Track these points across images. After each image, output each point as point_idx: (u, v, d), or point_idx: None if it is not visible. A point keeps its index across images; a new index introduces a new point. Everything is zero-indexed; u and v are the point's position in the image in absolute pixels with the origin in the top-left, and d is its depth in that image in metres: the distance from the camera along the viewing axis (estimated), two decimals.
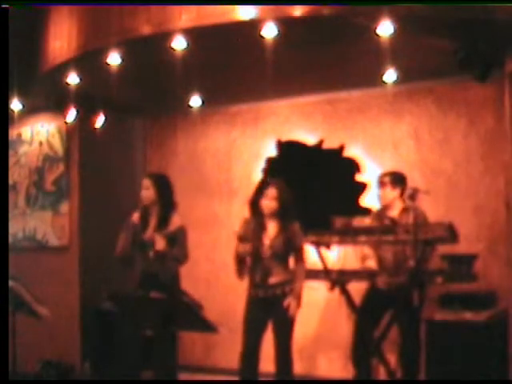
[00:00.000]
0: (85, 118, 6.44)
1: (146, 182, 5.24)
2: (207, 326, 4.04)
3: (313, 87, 6.20)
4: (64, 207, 6.79)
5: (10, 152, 7.02)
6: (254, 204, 4.83)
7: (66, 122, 6.59)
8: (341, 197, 6.21)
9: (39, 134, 7.01)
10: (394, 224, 5.07)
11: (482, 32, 4.58)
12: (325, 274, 5.15)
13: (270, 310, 4.70)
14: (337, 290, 5.20)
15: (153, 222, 5.20)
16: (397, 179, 5.28)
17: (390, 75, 5.55)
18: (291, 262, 4.81)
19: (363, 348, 5.18)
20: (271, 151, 6.64)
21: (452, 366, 4.99)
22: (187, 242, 5.25)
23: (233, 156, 6.85)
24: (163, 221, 5.16)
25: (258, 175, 6.58)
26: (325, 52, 5.08)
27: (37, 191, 6.99)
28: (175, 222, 5.20)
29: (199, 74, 5.47)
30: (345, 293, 5.19)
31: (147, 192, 5.21)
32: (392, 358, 5.15)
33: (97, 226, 6.62)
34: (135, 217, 5.26)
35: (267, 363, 4.73)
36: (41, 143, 6.99)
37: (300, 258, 4.79)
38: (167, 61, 4.92)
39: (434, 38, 4.70)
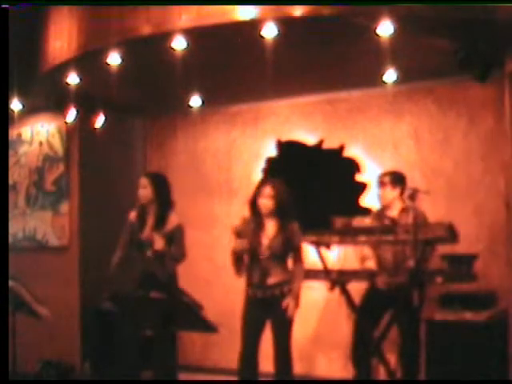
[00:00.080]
0: (85, 118, 6.44)
1: (144, 181, 5.25)
2: (207, 326, 4.04)
3: (313, 87, 6.20)
4: (64, 207, 6.79)
5: (10, 152, 7.02)
6: (253, 203, 4.82)
7: (65, 122, 6.59)
8: (341, 197, 6.21)
9: (39, 134, 7.01)
10: (393, 224, 5.07)
11: (482, 32, 4.58)
12: (325, 274, 5.15)
13: (268, 310, 4.69)
14: (337, 290, 5.20)
15: (150, 220, 5.21)
16: (397, 179, 5.28)
17: (390, 75, 5.55)
18: (290, 262, 4.80)
19: (363, 348, 5.18)
20: (271, 151, 6.64)
21: (452, 366, 4.99)
22: (185, 240, 5.26)
23: (233, 156, 6.85)
24: (161, 220, 5.17)
25: (257, 175, 6.57)
26: (325, 52, 5.08)
27: (37, 191, 6.99)
28: (173, 220, 5.21)
29: (199, 74, 5.47)
30: (345, 293, 5.19)
31: (144, 191, 5.22)
32: (392, 358, 5.15)
33: (97, 226, 6.62)
34: (132, 215, 5.27)
35: (267, 363, 4.73)
36: (41, 143, 6.99)
37: (298, 258, 4.77)
38: (167, 61, 4.92)
39: (434, 38, 4.70)
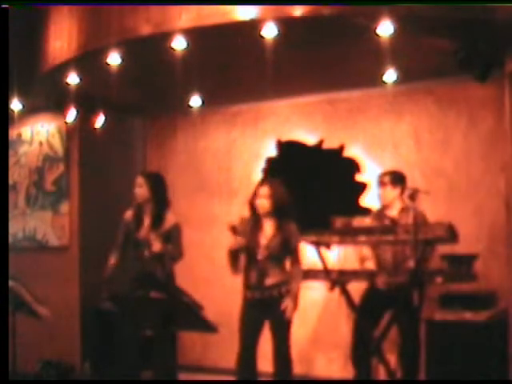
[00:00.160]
0: (85, 118, 6.44)
1: (140, 180, 5.26)
2: (207, 326, 4.04)
3: (313, 87, 6.20)
4: (64, 207, 6.79)
5: (10, 152, 7.02)
6: (252, 204, 4.81)
7: (65, 122, 6.59)
8: (341, 197, 6.20)
9: (39, 134, 7.01)
10: (393, 224, 5.07)
11: (482, 32, 4.58)
12: (325, 274, 5.15)
13: (266, 311, 4.67)
14: (337, 290, 5.20)
15: (147, 220, 5.22)
16: (397, 178, 5.28)
17: (390, 75, 5.55)
18: (287, 262, 4.77)
19: (363, 348, 5.18)
20: (271, 151, 6.64)
21: (452, 366, 4.99)
22: (182, 239, 5.27)
23: (233, 156, 6.85)
24: (157, 219, 5.18)
25: (257, 175, 6.57)
26: (325, 52, 5.08)
27: (37, 191, 6.99)
28: (169, 219, 5.22)
29: (199, 74, 5.47)
30: (345, 293, 5.19)
31: (141, 190, 5.23)
32: (392, 358, 5.15)
33: (97, 226, 6.62)
34: (128, 215, 5.28)
35: (267, 363, 4.72)
36: (41, 143, 6.99)
37: (296, 259, 4.75)
38: (167, 61, 4.92)
39: (434, 38, 4.70)
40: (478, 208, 5.67)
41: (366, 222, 5.24)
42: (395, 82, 5.65)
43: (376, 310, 5.21)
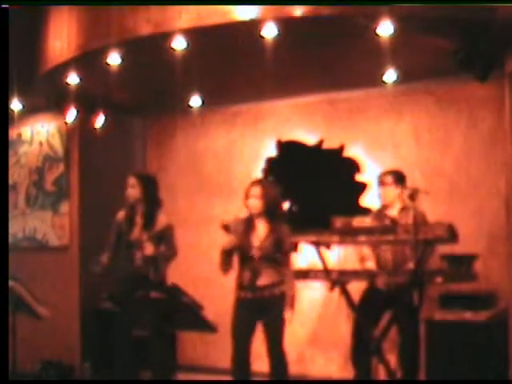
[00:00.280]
0: (85, 118, 6.44)
1: (132, 181, 5.26)
2: (207, 326, 4.04)
3: (313, 87, 6.19)
4: (64, 207, 6.79)
5: (10, 152, 7.02)
6: (244, 204, 4.81)
7: (65, 122, 6.59)
8: (341, 197, 6.20)
9: (39, 134, 7.02)
10: (393, 224, 5.06)
11: (482, 32, 4.58)
12: (325, 273, 5.14)
13: (258, 312, 4.65)
14: (337, 290, 5.20)
15: (139, 221, 5.21)
16: (399, 178, 5.27)
17: (390, 75, 5.55)
18: (280, 263, 4.74)
19: (363, 348, 5.17)
20: (271, 151, 6.64)
21: (452, 365, 4.99)
22: (175, 239, 5.28)
23: (233, 156, 6.84)
24: (149, 220, 5.19)
25: (257, 175, 6.57)
26: (325, 52, 5.08)
27: (37, 191, 7.00)
28: (161, 220, 5.23)
29: (199, 74, 5.47)
30: (345, 293, 5.19)
31: (133, 190, 5.24)
32: (392, 358, 5.14)
33: (97, 225, 6.62)
34: (120, 215, 5.28)
35: (266, 363, 4.72)
36: (41, 143, 7.00)
37: (288, 260, 4.74)
38: (167, 61, 4.92)
39: (434, 38, 4.70)
40: (478, 208, 5.67)
41: (366, 221, 5.24)
42: (395, 82, 5.65)
43: (376, 309, 5.21)
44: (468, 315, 5.03)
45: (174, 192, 7.05)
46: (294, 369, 5.66)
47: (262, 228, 4.74)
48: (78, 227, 6.70)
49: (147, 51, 5.00)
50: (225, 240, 4.76)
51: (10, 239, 6.82)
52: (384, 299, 5.07)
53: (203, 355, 6.73)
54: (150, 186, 5.28)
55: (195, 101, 6.34)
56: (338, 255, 6.03)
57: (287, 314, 4.63)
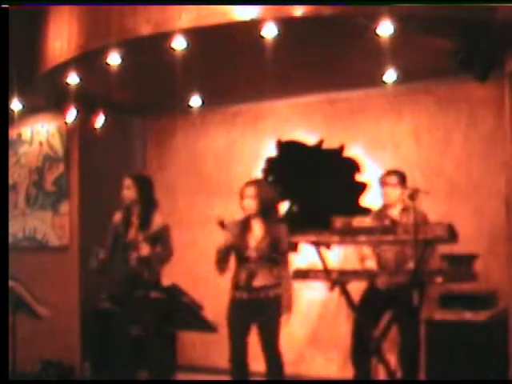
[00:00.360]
0: (85, 118, 6.44)
1: (127, 182, 5.26)
2: (207, 326, 4.04)
3: (313, 87, 6.19)
4: (64, 207, 6.79)
5: (10, 152, 7.02)
6: (239, 204, 4.80)
7: (65, 122, 6.59)
8: (341, 197, 6.20)
9: (39, 134, 7.02)
10: (394, 224, 5.06)
11: (482, 32, 4.58)
12: (325, 273, 5.13)
13: (253, 313, 4.64)
14: (337, 290, 5.19)
15: (135, 222, 5.22)
16: (402, 179, 5.27)
17: (390, 75, 5.55)
18: (277, 264, 4.73)
19: (363, 348, 5.17)
20: (271, 151, 6.64)
21: (452, 365, 4.99)
22: (171, 240, 5.28)
23: (233, 156, 6.84)
24: (145, 221, 5.19)
25: (258, 175, 6.57)
26: (325, 52, 5.08)
27: (37, 191, 7.00)
28: (157, 221, 5.23)
29: (199, 74, 5.47)
30: (345, 293, 5.18)
31: (128, 192, 5.25)
32: (392, 358, 5.14)
33: (97, 226, 6.62)
34: (117, 217, 5.29)
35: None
36: (41, 143, 7.00)
37: (285, 262, 4.73)
38: (167, 61, 4.92)
39: (434, 38, 4.70)
40: (478, 208, 5.67)
41: (366, 221, 5.23)
42: (395, 82, 5.65)
43: (376, 310, 5.21)
44: (468, 315, 5.03)
45: (174, 192, 7.05)
46: (294, 369, 5.68)
47: (258, 229, 4.74)
48: (77, 227, 6.70)
49: (147, 51, 5.00)
50: (223, 240, 4.76)
51: (10, 239, 6.82)
52: (384, 299, 5.06)
53: (203, 355, 6.73)
54: (145, 187, 5.29)
55: (195, 101, 6.34)
56: (338, 255, 6.03)
57: (284, 316, 4.63)
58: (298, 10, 4.30)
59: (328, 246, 5.62)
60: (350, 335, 5.36)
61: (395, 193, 5.24)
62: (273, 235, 4.69)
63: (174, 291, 4.14)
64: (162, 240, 5.22)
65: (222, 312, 4.78)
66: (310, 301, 6.25)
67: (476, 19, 4.44)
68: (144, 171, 7.09)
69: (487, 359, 4.92)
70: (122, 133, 7.15)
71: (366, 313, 5.19)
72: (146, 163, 7.31)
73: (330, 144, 6.35)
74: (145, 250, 5.11)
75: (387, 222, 5.19)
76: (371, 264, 5.24)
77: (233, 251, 4.72)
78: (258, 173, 6.61)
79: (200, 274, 6.66)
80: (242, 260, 4.70)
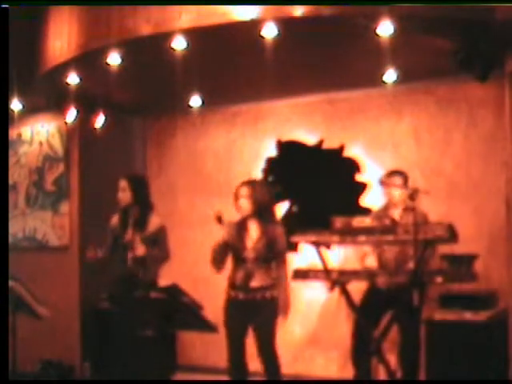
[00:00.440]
0: (85, 118, 6.44)
1: (123, 184, 5.28)
2: (207, 326, 4.04)
3: (313, 87, 6.19)
4: (64, 207, 6.79)
5: (10, 152, 7.02)
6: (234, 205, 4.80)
7: (65, 122, 6.59)
8: (341, 197, 6.20)
9: (39, 134, 7.02)
10: (394, 224, 5.06)
11: (482, 32, 4.58)
12: (325, 273, 5.14)
13: (249, 314, 4.64)
14: (337, 290, 5.20)
15: (131, 223, 5.22)
16: (406, 179, 5.26)
17: (390, 75, 5.55)
18: (274, 265, 4.73)
19: (363, 348, 5.17)
20: (271, 151, 6.64)
21: (452, 365, 4.98)
22: (167, 241, 5.29)
23: (233, 156, 6.84)
24: (141, 222, 5.20)
25: (257, 175, 6.57)
26: (325, 52, 5.08)
27: (37, 191, 7.00)
28: (154, 222, 5.24)
29: (199, 74, 5.47)
30: (345, 293, 5.18)
31: (123, 194, 5.26)
32: (392, 358, 5.14)
33: (97, 226, 6.61)
34: (114, 219, 5.31)
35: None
36: (41, 143, 6.99)
37: (282, 263, 4.73)
38: (167, 61, 4.92)
39: (434, 38, 4.70)
40: (477, 208, 5.67)
41: (366, 221, 5.23)
42: (395, 82, 5.65)
43: (376, 309, 5.21)
44: (468, 315, 5.03)
45: (174, 192, 7.05)
46: (294, 369, 5.68)
47: (254, 229, 4.74)
48: (77, 227, 6.70)
49: (147, 51, 5.00)
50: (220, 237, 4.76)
51: (10, 239, 6.82)
52: (384, 299, 5.06)
53: (203, 355, 6.73)
54: (140, 189, 5.30)
55: (195, 101, 6.34)
56: (338, 255, 6.03)
57: (280, 317, 4.63)
58: (298, 10, 4.30)
59: (328, 246, 5.62)
60: (350, 335, 5.37)
61: (399, 194, 5.23)
62: (269, 236, 4.68)
63: (174, 291, 4.13)
64: (158, 241, 5.22)
65: (222, 312, 4.79)
66: (309, 301, 6.25)
67: (476, 19, 4.44)
68: (142, 172, 7.11)
69: (487, 359, 4.91)
70: (122, 133, 7.15)
71: (366, 313, 5.19)
72: (146, 163, 7.31)
73: (330, 144, 6.35)
74: (140, 250, 5.12)
75: (387, 222, 5.18)
76: (372, 261, 5.24)
77: (229, 250, 4.72)
78: (257, 173, 6.61)
79: (200, 274, 6.65)
80: (239, 260, 4.70)
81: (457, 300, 5.15)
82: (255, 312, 4.63)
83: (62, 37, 5.29)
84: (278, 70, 5.18)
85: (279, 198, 6.42)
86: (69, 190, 6.76)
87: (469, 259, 4.96)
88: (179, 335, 6.69)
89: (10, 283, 4.59)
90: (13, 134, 7.05)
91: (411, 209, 4.84)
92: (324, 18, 4.33)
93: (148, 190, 5.37)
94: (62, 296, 6.61)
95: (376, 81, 5.68)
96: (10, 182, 7.02)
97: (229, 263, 4.81)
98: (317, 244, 5.18)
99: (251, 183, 4.82)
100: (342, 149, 6.29)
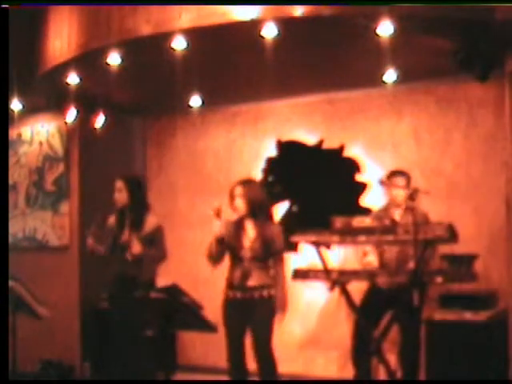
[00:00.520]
0: (85, 118, 6.44)
1: (119, 185, 5.29)
2: (207, 326, 4.04)
3: (313, 87, 6.19)
4: (64, 207, 6.79)
5: (10, 152, 7.02)
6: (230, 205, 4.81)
7: (65, 122, 6.60)
8: (341, 197, 6.20)
9: (39, 134, 7.02)
10: (394, 224, 5.06)
11: (482, 32, 4.58)
12: (325, 273, 5.14)
13: (247, 313, 4.63)
14: (337, 290, 5.20)
15: (128, 223, 5.23)
16: (409, 180, 5.25)
17: (390, 75, 5.55)
18: (271, 265, 4.73)
19: (363, 348, 5.17)
20: (271, 151, 6.64)
21: (452, 365, 4.98)
22: (164, 241, 5.29)
23: (233, 156, 6.84)
24: (138, 223, 5.20)
25: (258, 175, 6.57)
26: (325, 52, 5.08)
27: (37, 191, 7.00)
28: (151, 222, 5.24)
29: (199, 74, 5.47)
30: (345, 293, 5.18)
31: (120, 195, 5.27)
32: (392, 358, 5.14)
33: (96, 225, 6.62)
34: (111, 220, 5.32)
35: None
36: (41, 143, 6.99)
37: (280, 262, 4.73)
38: (167, 61, 4.92)
39: (434, 38, 4.70)
40: (477, 208, 5.67)
41: (366, 221, 5.23)
42: (395, 82, 5.65)
43: (376, 309, 5.21)
44: (468, 315, 5.03)
45: (174, 192, 7.05)
46: (294, 369, 5.68)
47: (251, 229, 4.74)
48: (77, 227, 6.70)
49: (147, 51, 5.00)
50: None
51: (10, 239, 6.82)
52: (384, 299, 5.06)
53: (203, 355, 6.73)
54: (136, 189, 5.31)
55: (195, 101, 6.34)
56: (338, 255, 6.03)
57: (278, 316, 4.62)
58: (298, 10, 4.30)
59: (328, 246, 5.62)
60: (350, 335, 5.37)
61: (403, 194, 5.22)
62: (266, 235, 4.68)
63: (174, 291, 4.13)
64: (155, 241, 5.23)
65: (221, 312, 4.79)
66: (309, 301, 6.25)
67: (476, 19, 4.44)
68: (142, 172, 7.11)
69: (487, 359, 4.92)
70: (122, 133, 7.15)
71: (366, 313, 5.19)
72: (145, 163, 7.31)
73: (330, 144, 6.35)
74: (136, 248, 5.12)
75: (387, 222, 5.18)
76: (372, 259, 5.24)
77: (226, 246, 4.71)
78: (257, 173, 6.61)
79: (200, 274, 6.65)
80: (237, 260, 4.70)
81: (457, 300, 5.15)
82: (253, 311, 4.63)
83: (62, 37, 5.30)
84: (277, 70, 5.18)
85: (279, 198, 6.43)
86: (69, 190, 6.76)
87: (469, 259, 4.96)
88: (179, 335, 6.69)
89: (10, 283, 4.59)
90: (13, 134, 7.05)
91: (411, 209, 4.84)
92: (324, 18, 4.33)
93: (144, 190, 5.39)
94: (62, 296, 6.61)
95: (376, 81, 5.68)
96: (10, 182, 7.03)
97: (227, 263, 4.81)
98: (317, 244, 5.18)
99: (245, 183, 4.81)
100: (341, 149, 6.29)
